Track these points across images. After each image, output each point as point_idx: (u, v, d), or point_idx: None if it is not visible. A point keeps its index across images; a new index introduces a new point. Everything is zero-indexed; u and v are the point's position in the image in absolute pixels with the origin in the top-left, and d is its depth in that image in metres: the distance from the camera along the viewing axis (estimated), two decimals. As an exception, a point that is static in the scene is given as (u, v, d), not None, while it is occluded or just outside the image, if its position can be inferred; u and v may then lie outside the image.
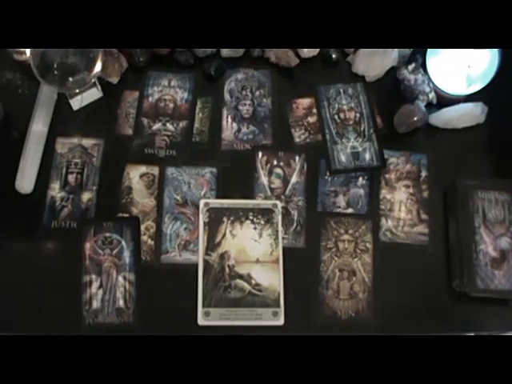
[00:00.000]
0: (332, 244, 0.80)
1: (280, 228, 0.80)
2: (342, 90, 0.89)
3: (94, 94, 0.86)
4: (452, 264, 0.79)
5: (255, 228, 0.79)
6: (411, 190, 0.84)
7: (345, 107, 0.88)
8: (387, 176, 0.84)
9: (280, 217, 0.80)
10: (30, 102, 0.84)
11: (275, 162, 0.84)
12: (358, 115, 0.87)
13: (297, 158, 0.84)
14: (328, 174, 0.84)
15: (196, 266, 0.77)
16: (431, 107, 0.88)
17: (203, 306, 0.75)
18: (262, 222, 0.80)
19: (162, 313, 0.75)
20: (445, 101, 0.88)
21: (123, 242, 0.78)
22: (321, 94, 0.89)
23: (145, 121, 0.86)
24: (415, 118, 0.85)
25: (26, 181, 0.80)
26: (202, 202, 0.80)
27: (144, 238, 0.79)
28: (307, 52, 0.89)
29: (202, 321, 0.75)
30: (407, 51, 0.89)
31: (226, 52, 0.89)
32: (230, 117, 0.87)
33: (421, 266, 0.80)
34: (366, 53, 0.88)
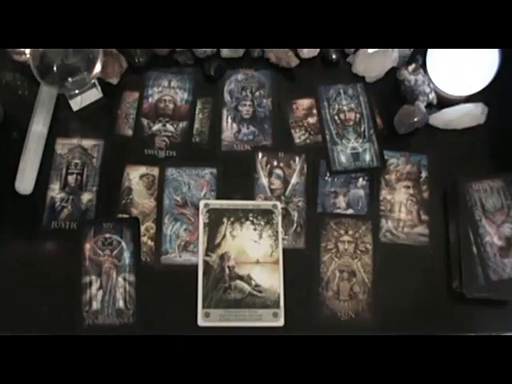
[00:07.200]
0: (332, 245, 0.80)
1: (280, 229, 0.80)
2: (342, 91, 0.89)
3: (93, 94, 0.86)
4: (452, 265, 0.79)
5: (255, 229, 0.79)
6: (411, 191, 0.84)
7: (345, 108, 0.88)
8: (387, 177, 0.84)
9: (280, 218, 0.80)
10: (30, 102, 0.84)
11: (275, 163, 0.84)
12: (358, 116, 0.87)
13: (297, 158, 0.84)
14: (328, 174, 0.84)
15: (196, 266, 0.77)
16: (431, 108, 0.88)
17: (203, 307, 0.75)
18: (262, 223, 0.80)
19: (161, 314, 0.75)
20: (445, 101, 0.88)
21: (123, 243, 0.78)
22: (321, 95, 0.89)
23: (145, 121, 0.86)
24: (415, 119, 0.85)
25: (25, 181, 0.80)
26: (201, 203, 0.80)
27: (144, 238, 0.79)
28: (307, 52, 0.89)
29: (201, 322, 0.74)
30: (407, 51, 0.89)
31: (225, 52, 0.89)
32: (229, 117, 0.87)
33: (421, 267, 0.80)
34: (366, 53, 0.88)
